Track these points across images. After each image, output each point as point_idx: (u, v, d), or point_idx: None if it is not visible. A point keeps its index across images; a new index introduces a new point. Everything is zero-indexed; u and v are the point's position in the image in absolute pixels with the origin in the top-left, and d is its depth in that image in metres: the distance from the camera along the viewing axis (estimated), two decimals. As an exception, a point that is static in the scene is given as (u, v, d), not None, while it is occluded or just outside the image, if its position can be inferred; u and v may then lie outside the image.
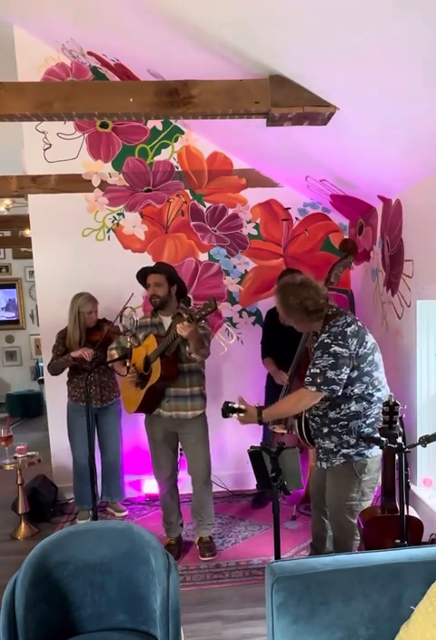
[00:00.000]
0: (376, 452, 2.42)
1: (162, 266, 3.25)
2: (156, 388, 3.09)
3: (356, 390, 2.39)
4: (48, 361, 3.83)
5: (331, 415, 2.44)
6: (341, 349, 2.31)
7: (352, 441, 2.41)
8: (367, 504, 2.50)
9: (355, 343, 2.35)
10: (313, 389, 2.34)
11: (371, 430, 2.41)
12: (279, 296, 2.48)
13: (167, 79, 2.72)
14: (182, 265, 4.15)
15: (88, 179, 4.06)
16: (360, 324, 2.43)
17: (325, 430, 2.48)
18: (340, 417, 2.43)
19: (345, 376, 2.34)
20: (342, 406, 2.41)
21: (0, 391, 8.30)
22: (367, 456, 2.43)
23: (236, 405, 2.44)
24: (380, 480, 2.52)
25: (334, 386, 2.33)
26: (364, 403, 2.41)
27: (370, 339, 2.43)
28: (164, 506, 3.38)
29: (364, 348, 2.38)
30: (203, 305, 2.72)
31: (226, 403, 2.45)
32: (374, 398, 2.43)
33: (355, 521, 2.48)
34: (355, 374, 2.37)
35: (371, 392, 2.42)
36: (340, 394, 2.36)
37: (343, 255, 3.45)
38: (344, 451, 2.44)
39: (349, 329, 2.35)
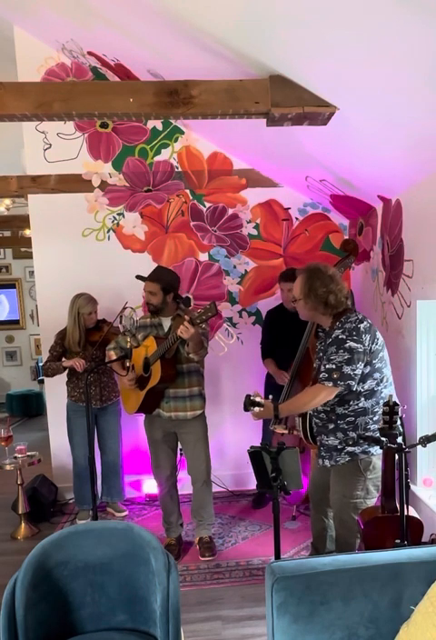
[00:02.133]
0: (380, 449, 2.42)
1: (156, 275, 3.16)
2: (156, 390, 3.09)
3: (366, 386, 2.40)
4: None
5: (339, 411, 2.44)
6: (355, 345, 2.33)
7: (363, 434, 2.41)
8: (372, 501, 2.50)
9: (368, 339, 2.36)
10: (330, 384, 2.34)
11: (377, 427, 2.41)
12: (305, 276, 2.44)
13: (167, 79, 2.73)
14: (182, 265, 4.15)
15: (88, 179, 4.06)
16: (369, 321, 2.44)
17: (331, 426, 2.48)
18: (347, 413, 2.43)
19: (360, 372, 2.35)
20: (351, 403, 2.41)
21: (0, 391, 8.30)
22: (372, 454, 2.44)
23: (258, 399, 2.43)
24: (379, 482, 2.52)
25: (350, 382, 2.34)
26: (373, 399, 2.42)
27: (379, 336, 2.45)
28: (164, 506, 3.38)
29: (376, 344, 2.40)
30: (203, 310, 2.73)
31: (248, 396, 2.45)
32: (383, 395, 2.43)
33: None
34: (367, 369, 2.38)
35: (380, 388, 2.43)
36: (354, 389, 2.37)
37: (345, 255, 3.45)
38: (349, 449, 2.44)
39: (362, 325, 2.37)
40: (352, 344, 2.33)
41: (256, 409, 2.42)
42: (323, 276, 2.41)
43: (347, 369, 2.32)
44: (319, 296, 2.40)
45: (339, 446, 2.47)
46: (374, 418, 2.43)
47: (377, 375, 2.42)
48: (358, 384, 2.38)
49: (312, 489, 2.78)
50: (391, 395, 2.27)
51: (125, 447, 4.08)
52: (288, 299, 3.66)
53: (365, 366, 2.37)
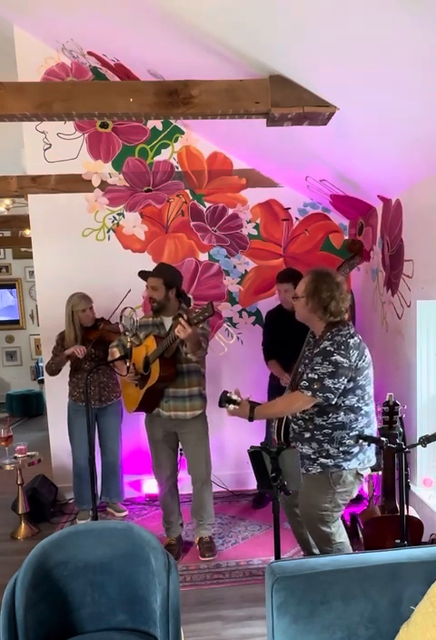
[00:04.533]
0: (353, 465, 2.41)
1: (159, 270, 3.20)
2: (155, 388, 3.09)
3: (347, 402, 2.38)
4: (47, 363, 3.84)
5: (317, 421, 2.42)
6: (342, 359, 2.30)
7: (332, 450, 2.39)
8: (339, 514, 2.49)
9: (356, 355, 2.34)
10: (309, 394, 2.32)
11: (352, 442, 2.40)
12: (312, 276, 2.43)
13: (167, 79, 2.73)
14: (182, 265, 4.14)
15: (88, 179, 4.06)
16: (360, 337, 2.42)
17: (307, 435, 2.45)
18: (325, 425, 2.40)
19: (342, 386, 2.33)
20: (331, 415, 2.39)
21: (0, 391, 8.30)
22: (344, 468, 2.41)
23: (234, 397, 2.41)
24: (355, 492, 2.50)
25: (329, 395, 2.31)
26: (352, 415, 2.40)
27: (368, 353, 2.43)
28: (164, 506, 3.38)
29: (363, 362, 2.38)
30: (201, 310, 2.73)
31: (225, 392, 2.43)
32: (362, 412, 2.42)
33: (330, 529, 2.47)
34: (350, 385, 2.36)
35: (360, 405, 2.41)
36: (333, 402, 2.35)
37: (350, 256, 3.44)
38: (322, 460, 2.41)
39: (351, 340, 2.34)
40: (339, 357, 2.30)
41: (231, 407, 2.40)
42: (331, 281, 2.40)
43: (328, 382, 2.30)
44: (322, 299, 2.38)
45: (312, 456, 2.44)
46: (351, 434, 2.40)
47: (359, 391, 2.39)
48: (339, 398, 2.35)
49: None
50: (390, 395, 2.27)
51: (126, 447, 4.08)
52: (286, 299, 3.65)
53: (349, 382, 2.35)
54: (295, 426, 2.52)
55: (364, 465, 2.46)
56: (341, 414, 2.39)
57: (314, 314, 2.44)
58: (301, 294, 2.45)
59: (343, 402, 2.37)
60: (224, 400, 2.41)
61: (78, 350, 3.62)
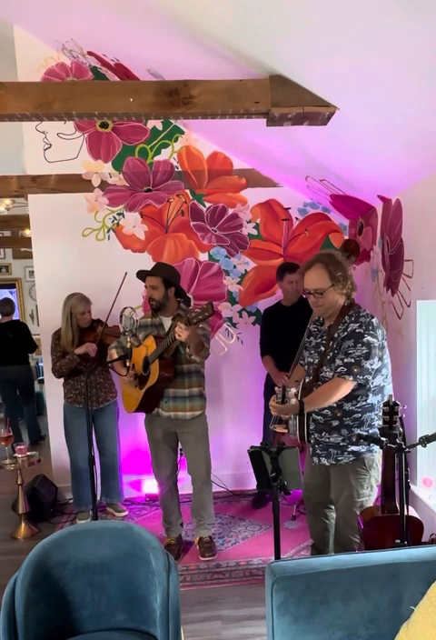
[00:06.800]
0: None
1: (158, 269, 3.20)
2: (154, 389, 3.09)
3: (375, 382, 2.40)
4: (50, 364, 3.81)
5: (347, 407, 2.42)
6: (372, 339, 2.32)
7: (363, 433, 2.40)
8: (373, 498, 2.52)
9: (380, 333, 2.37)
10: (350, 379, 2.32)
11: (381, 423, 2.41)
12: (328, 262, 2.39)
13: (167, 79, 2.73)
14: (182, 265, 4.14)
15: (88, 179, 4.06)
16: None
17: (335, 423, 2.45)
18: (355, 410, 2.41)
19: (376, 366, 2.35)
20: (360, 399, 2.40)
21: (0, 391, 8.28)
22: (375, 451, 2.44)
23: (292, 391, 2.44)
24: (379, 479, 2.52)
25: (368, 376, 2.33)
26: (379, 395, 2.42)
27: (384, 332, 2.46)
28: (164, 506, 3.38)
29: (384, 340, 2.41)
30: (200, 310, 2.73)
31: (284, 387, 2.44)
32: (386, 391, 2.44)
33: None
34: (378, 365, 2.38)
35: (385, 384, 2.44)
36: (369, 384, 2.36)
37: (346, 256, 3.44)
38: (354, 448, 2.42)
39: (374, 320, 2.37)
40: (370, 338, 2.32)
41: (293, 400, 2.41)
42: (341, 260, 2.43)
43: (366, 363, 2.31)
44: (345, 278, 2.38)
45: (341, 444, 2.44)
46: (379, 413, 2.40)
47: (384, 370, 2.42)
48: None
49: (308, 492, 2.72)
50: (390, 395, 2.27)
51: (125, 447, 4.08)
52: (294, 291, 3.65)
53: (378, 361, 2.37)
54: (318, 417, 2.49)
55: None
56: (370, 395, 2.40)
57: (342, 296, 2.42)
58: (326, 284, 2.37)
59: (372, 382, 2.39)
60: (285, 396, 2.42)
61: (91, 348, 3.58)
